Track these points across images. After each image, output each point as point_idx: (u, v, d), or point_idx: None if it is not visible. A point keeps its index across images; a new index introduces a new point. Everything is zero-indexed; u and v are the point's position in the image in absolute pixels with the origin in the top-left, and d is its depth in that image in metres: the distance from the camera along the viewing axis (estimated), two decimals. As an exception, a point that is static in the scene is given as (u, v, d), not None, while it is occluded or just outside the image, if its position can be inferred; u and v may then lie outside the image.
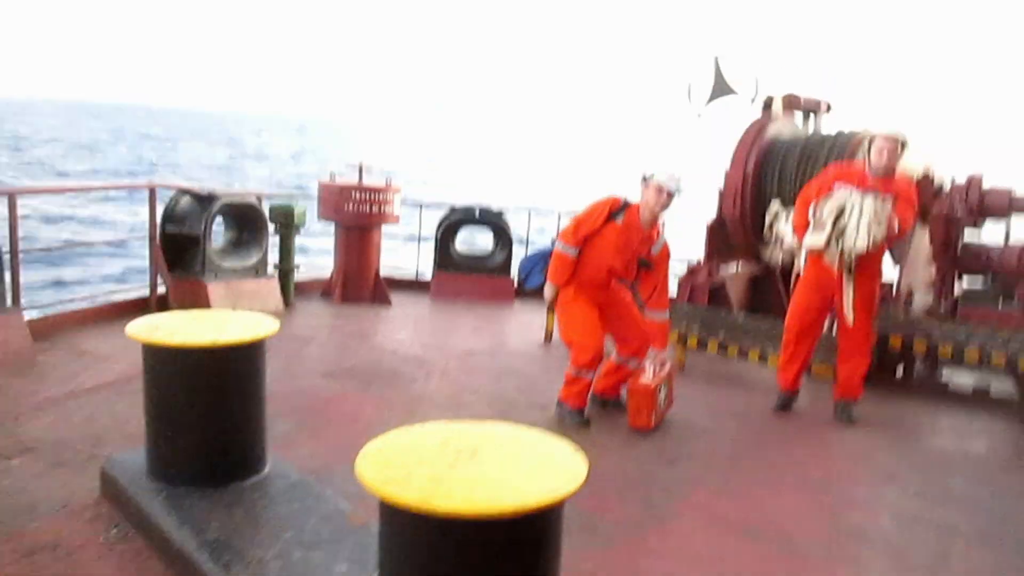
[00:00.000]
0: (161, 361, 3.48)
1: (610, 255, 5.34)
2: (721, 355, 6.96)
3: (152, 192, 7.72)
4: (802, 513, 4.28)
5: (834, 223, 5.50)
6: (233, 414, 3.56)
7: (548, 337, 7.74)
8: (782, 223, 7.52)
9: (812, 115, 9.35)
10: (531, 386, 6.29)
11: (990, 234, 7.78)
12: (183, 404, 3.47)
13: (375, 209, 9.04)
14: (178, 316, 3.82)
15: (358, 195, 8.96)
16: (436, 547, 2.15)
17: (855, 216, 5.43)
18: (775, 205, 7.74)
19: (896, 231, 5.53)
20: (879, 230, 5.43)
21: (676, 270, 7.66)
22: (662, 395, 5.45)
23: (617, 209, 5.33)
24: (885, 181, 5.62)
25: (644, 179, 5.35)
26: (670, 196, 5.27)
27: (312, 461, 4.47)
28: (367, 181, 9.19)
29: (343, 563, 3.03)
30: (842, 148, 7.53)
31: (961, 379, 6.90)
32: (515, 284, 9.99)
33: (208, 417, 3.49)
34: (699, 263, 8.59)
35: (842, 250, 5.51)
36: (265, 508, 3.46)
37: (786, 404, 6.02)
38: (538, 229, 11.52)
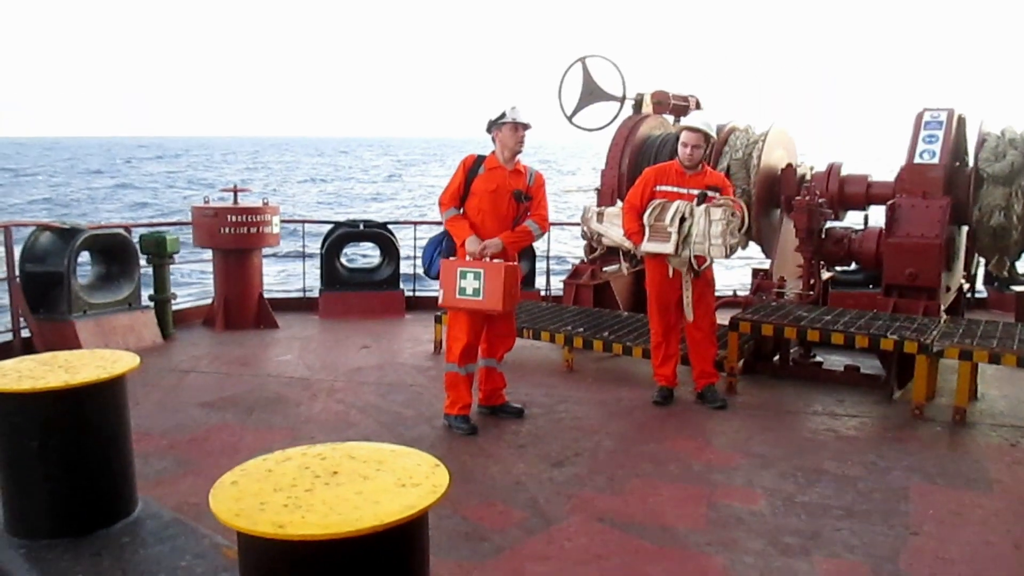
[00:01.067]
0: (10, 409, 3.30)
1: (489, 204, 5.49)
2: (607, 354, 7.09)
3: (7, 231, 7.34)
4: (682, 504, 4.39)
5: (678, 230, 5.73)
6: (94, 458, 3.39)
7: (437, 347, 7.73)
8: (593, 222, 7.79)
9: (682, 113, 9.64)
10: (419, 399, 6.26)
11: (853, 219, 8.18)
12: (38, 453, 3.30)
13: (253, 231, 8.84)
14: (30, 360, 3.62)
15: (234, 218, 8.74)
16: (297, 574, 2.10)
17: (701, 224, 5.69)
18: (591, 207, 8.01)
19: (745, 221, 5.85)
20: (734, 240, 5.73)
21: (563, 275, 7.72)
22: (470, 280, 5.27)
23: (473, 163, 5.54)
24: (698, 175, 5.92)
25: (494, 124, 5.50)
26: (525, 128, 5.48)
27: (191, 497, 4.35)
28: (243, 203, 8.98)
29: (216, 599, 2.93)
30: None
31: (834, 359, 7.21)
32: (404, 296, 9.95)
33: (66, 464, 3.32)
34: (582, 263, 8.73)
35: (694, 255, 5.76)
36: (135, 552, 3.31)
37: (667, 397, 6.17)
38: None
